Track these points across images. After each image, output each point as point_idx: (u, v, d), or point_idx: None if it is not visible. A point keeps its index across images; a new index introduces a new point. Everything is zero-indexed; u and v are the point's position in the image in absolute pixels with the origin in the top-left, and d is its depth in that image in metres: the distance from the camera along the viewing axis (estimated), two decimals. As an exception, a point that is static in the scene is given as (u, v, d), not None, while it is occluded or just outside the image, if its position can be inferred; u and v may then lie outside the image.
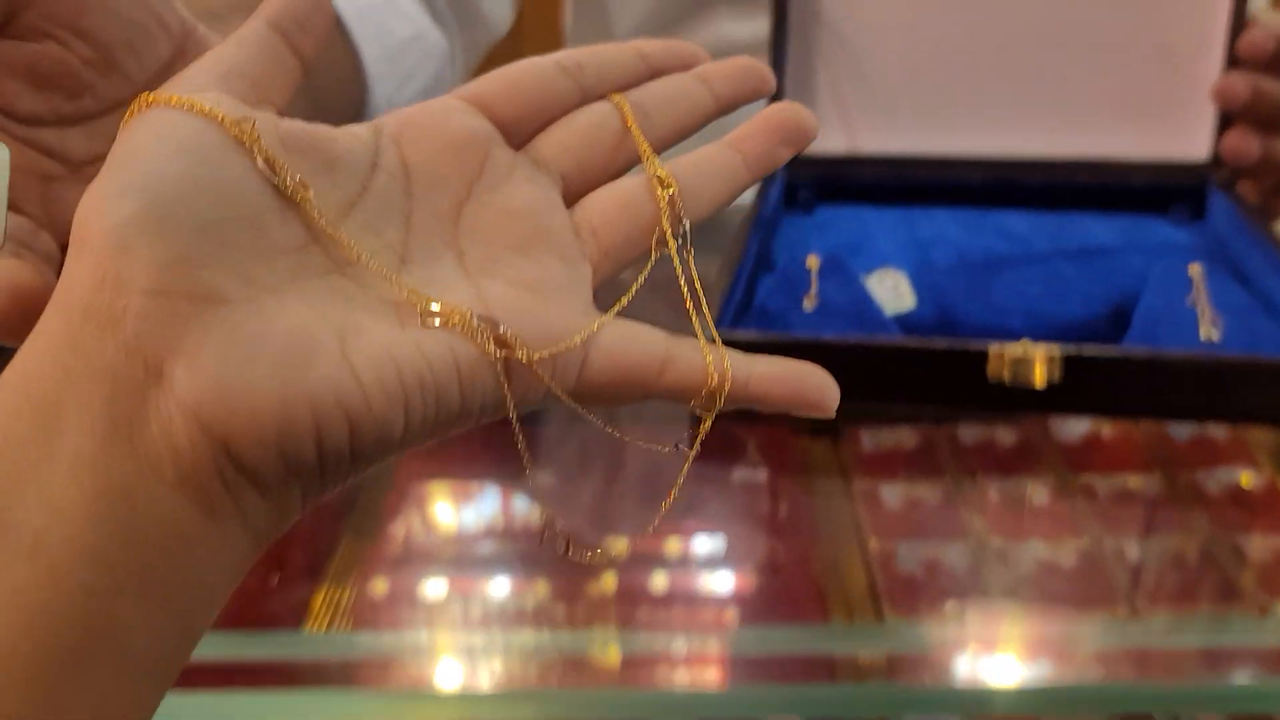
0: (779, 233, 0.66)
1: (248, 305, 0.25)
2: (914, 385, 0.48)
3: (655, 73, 0.33)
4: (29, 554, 0.22)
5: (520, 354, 0.27)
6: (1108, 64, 0.67)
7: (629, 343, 0.29)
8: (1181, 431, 0.59)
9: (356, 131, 0.30)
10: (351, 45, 0.62)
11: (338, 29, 0.62)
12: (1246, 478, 0.56)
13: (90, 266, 0.24)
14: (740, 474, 0.64)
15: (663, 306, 0.31)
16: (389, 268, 0.28)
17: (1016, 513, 0.59)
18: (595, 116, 0.32)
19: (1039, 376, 0.46)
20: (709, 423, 0.30)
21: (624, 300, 0.29)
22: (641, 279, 0.30)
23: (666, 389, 0.29)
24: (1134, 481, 0.57)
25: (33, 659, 0.22)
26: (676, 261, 0.31)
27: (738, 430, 0.64)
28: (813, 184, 0.70)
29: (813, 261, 0.57)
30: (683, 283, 0.31)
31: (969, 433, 0.62)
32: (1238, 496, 0.54)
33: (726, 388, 0.29)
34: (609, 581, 0.52)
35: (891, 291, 0.56)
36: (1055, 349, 0.46)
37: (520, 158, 0.31)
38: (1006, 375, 0.46)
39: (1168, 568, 0.52)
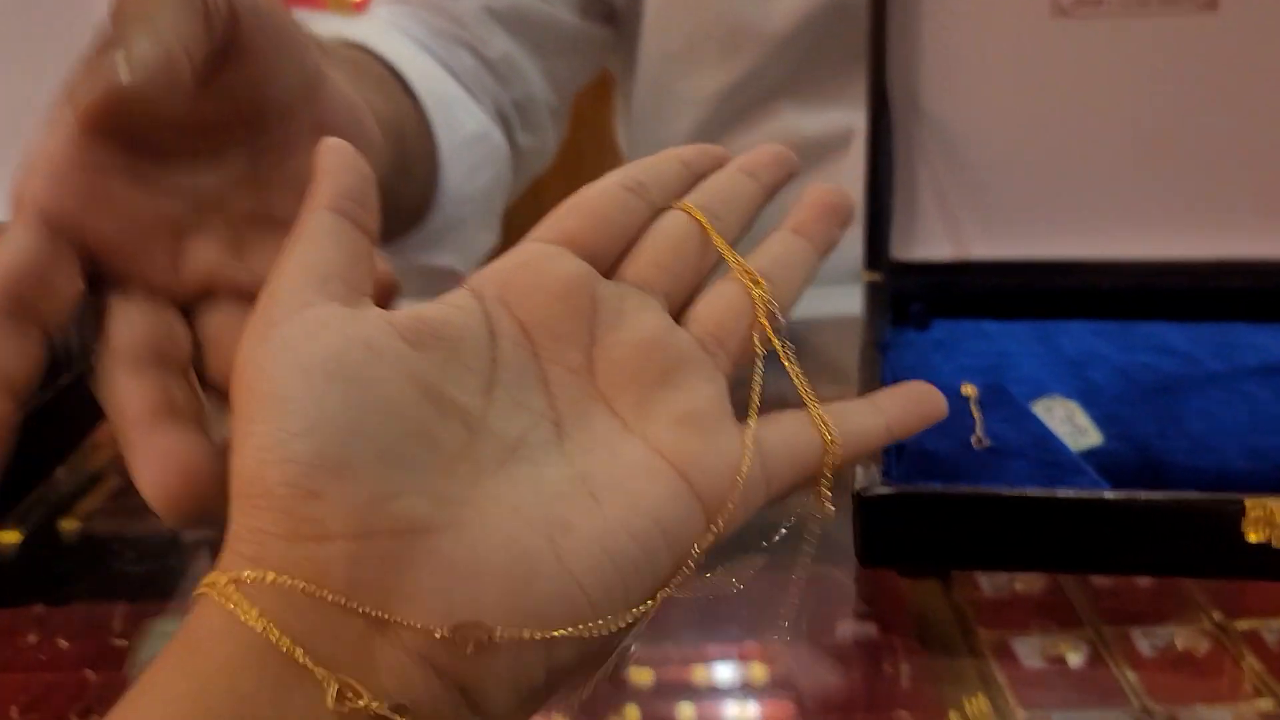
0: (898, 355, 0.57)
1: (452, 530, 0.24)
2: (1146, 547, 0.39)
3: (697, 177, 0.34)
4: None
5: (716, 526, 0.27)
6: (1250, 154, 0.60)
7: (790, 445, 0.30)
8: None
9: (460, 303, 0.29)
10: (429, 131, 0.56)
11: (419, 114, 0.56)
12: None
13: (277, 519, 0.23)
14: (847, 627, 0.54)
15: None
16: (549, 441, 0.27)
17: (1176, 670, 0.49)
18: (677, 229, 0.32)
19: (1309, 533, 0.37)
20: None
21: (753, 413, 0.30)
22: (758, 380, 0.32)
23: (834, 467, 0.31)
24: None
25: None
26: (784, 357, 0.32)
27: (833, 573, 0.55)
28: (923, 294, 0.61)
29: (969, 390, 0.48)
30: (795, 379, 0.32)
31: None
32: None
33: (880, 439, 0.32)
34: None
35: (1067, 423, 0.47)
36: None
37: (625, 287, 0.31)
38: (1272, 537, 0.37)
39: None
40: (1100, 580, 0.52)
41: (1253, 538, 0.37)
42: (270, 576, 0.23)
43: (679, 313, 0.32)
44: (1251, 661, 0.45)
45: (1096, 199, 0.61)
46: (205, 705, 0.22)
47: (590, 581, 0.25)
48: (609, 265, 0.32)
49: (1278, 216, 0.60)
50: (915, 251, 0.63)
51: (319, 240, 0.28)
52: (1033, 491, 0.39)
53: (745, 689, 0.45)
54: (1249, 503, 0.37)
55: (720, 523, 0.28)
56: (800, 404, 0.32)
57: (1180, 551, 0.38)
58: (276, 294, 0.27)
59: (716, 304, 0.32)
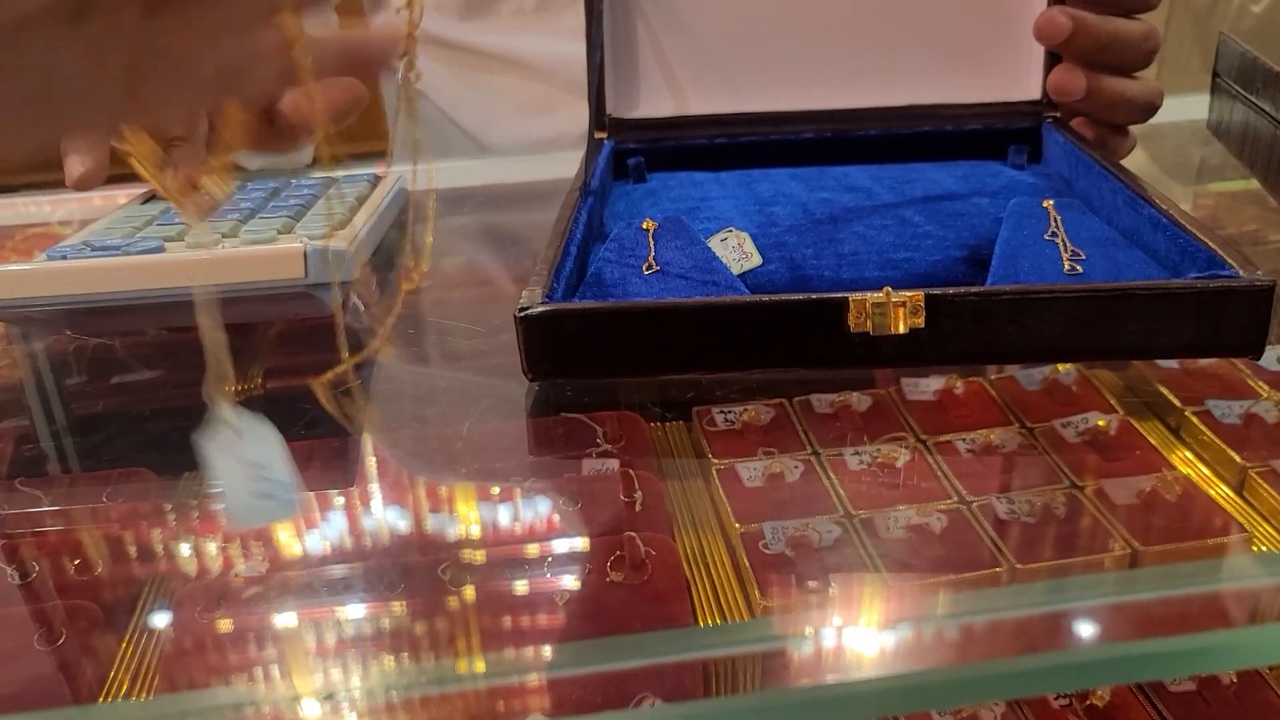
0: (610, 202, 0.61)
1: None
2: (772, 346, 0.43)
3: None
4: None
5: None
6: (935, 9, 0.65)
7: None
8: (1033, 380, 0.57)
9: None
10: None
11: None
12: (1103, 422, 0.54)
13: None
14: (591, 465, 0.59)
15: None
16: None
17: (880, 479, 0.55)
18: None
19: (901, 323, 0.42)
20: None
21: None
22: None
23: None
24: (994, 436, 0.54)
25: None
26: None
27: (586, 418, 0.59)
28: (642, 151, 0.65)
29: (649, 224, 0.52)
30: None
31: (822, 402, 0.59)
32: (1096, 442, 0.52)
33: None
34: (468, 594, 0.46)
35: (736, 250, 0.52)
36: (918, 294, 0.42)
37: None
38: (870, 325, 0.42)
39: (1039, 522, 0.49)
40: (820, 405, 0.57)
41: (854, 328, 0.42)
42: None
43: None
44: (944, 467, 0.50)
45: (797, 55, 0.65)
46: None
47: None
48: None
49: (955, 66, 0.65)
50: (637, 111, 0.67)
51: None
52: (662, 302, 0.43)
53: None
54: (852, 298, 0.42)
55: None
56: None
57: (798, 345, 0.43)
58: None
59: None
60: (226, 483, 0.32)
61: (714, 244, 0.53)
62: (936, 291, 0.42)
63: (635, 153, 0.65)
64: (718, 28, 0.66)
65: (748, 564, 0.42)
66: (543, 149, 0.87)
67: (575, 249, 0.51)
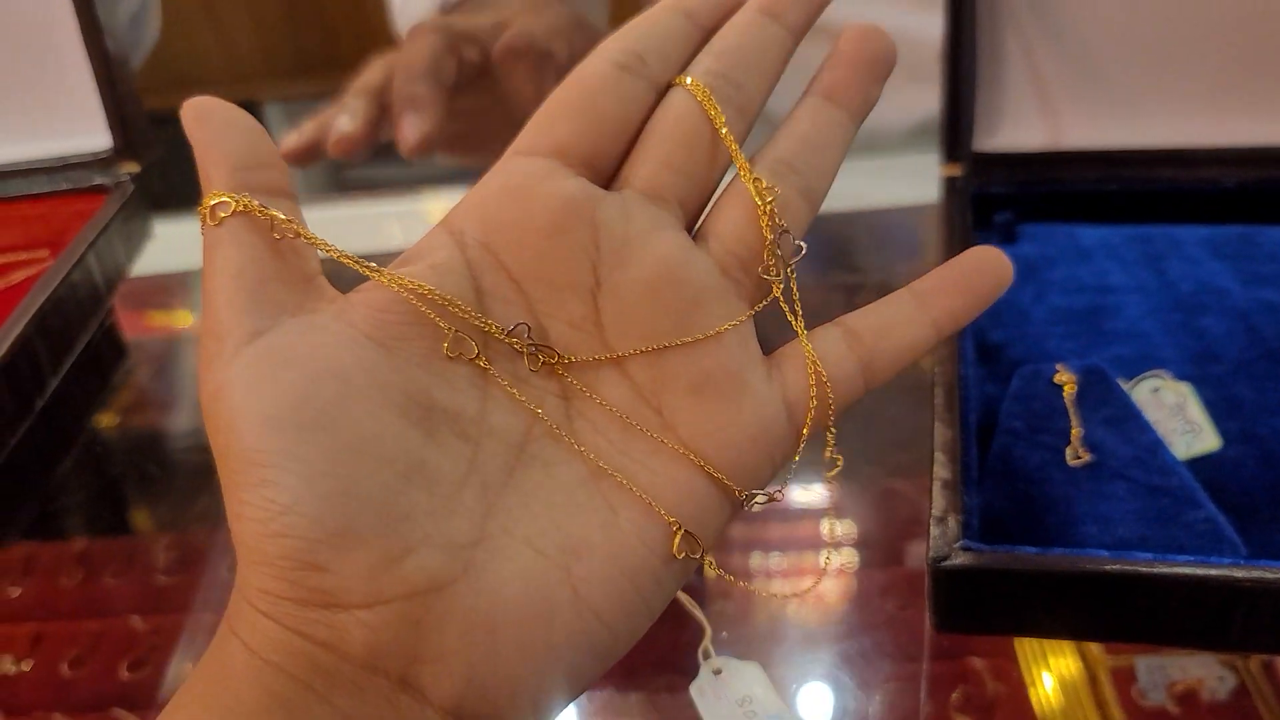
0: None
1: (467, 578, 0.23)
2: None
3: (706, 32, 0.29)
4: None
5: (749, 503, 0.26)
6: None
7: (890, 324, 0.27)
8: None
9: (438, 260, 0.26)
10: None
11: None
12: None
13: (285, 587, 0.22)
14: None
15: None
16: (558, 419, 0.26)
17: None
18: (688, 115, 0.28)
19: None
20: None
21: (800, 329, 0.28)
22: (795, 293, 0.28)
23: (875, 388, 0.28)
24: None
25: None
26: (777, 288, 0.28)
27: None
28: (1011, 198, 0.53)
29: (1065, 379, 0.41)
30: (788, 313, 0.28)
31: None
32: None
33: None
34: None
35: (1177, 416, 0.41)
36: None
37: (631, 200, 0.27)
38: None
39: None
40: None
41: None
42: (286, 638, 0.22)
43: (694, 219, 0.28)
44: None
45: (1221, 76, 0.51)
46: None
47: (608, 609, 0.24)
48: (610, 168, 0.28)
49: None
50: (1001, 140, 0.55)
51: (237, 237, 0.24)
52: (1135, 567, 0.33)
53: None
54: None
55: (754, 490, 0.27)
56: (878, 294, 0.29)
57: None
58: (216, 325, 0.24)
59: (734, 213, 0.27)
60: None
61: (1141, 396, 0.42)
62: None
63: (1002, 201, 0.53)
64: (1109, 31, 0.52)
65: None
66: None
67: (972, 389, 0.41)
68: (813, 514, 0.48)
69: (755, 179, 0.27)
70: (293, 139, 0.55)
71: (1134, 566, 0.34)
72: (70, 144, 0.54)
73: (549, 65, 0.57)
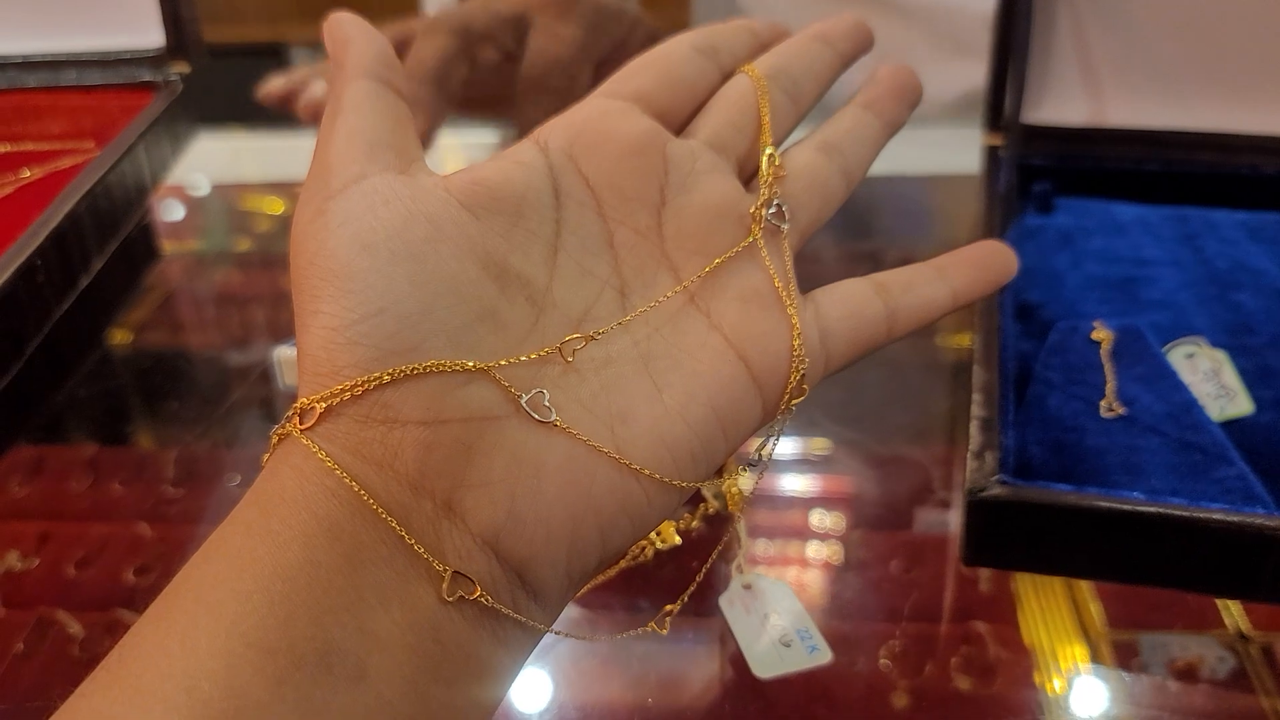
0: (1017, 248, 0.51)
1: (520, 419, 0.24)
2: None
3: (765, 47, 0.34)
4: (354, 681, 0.21)
5: (785, 405, 0.28)
6: None
7: (852, 319, 0.30)
8: None
9: (524, 159, 0.28)
10: None
11: None
12: None
13: (348, 400, 0.23)
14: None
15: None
16: (614, 311, 0.28)
17: None
18: (745, 96, 0.31)
19: None
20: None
21: (791, 292, 0.29)
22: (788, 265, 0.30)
23: (897, 338, 0.30)
24: None
25: None
26: (762, 247, 0.30)
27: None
28: (1050, 170, 0.54)
29: (1101, 335, 0.42)
30: (771, 272, 0.29)
31: None
32: None
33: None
34: None
35: (1211, 380, 0.41)
36: None
37: (697, 146, 0.30)
38: None
39: None
40: None
41: None
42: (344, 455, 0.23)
43: (747, 179, 0.31)
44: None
45: (1266, 62, 0.52)
46: (281, 575, 0.21)
47: (646, 475, 0.25)
48: (678, 126, 0.31)
49: None
50: (1044, 113, 0.55)
51: (362, 108, 0.27)
52: (1169, 510, 0.34)
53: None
54: None
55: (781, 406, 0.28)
56: (860, 271, 0.31)
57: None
58: (329, 164, 0.26)
59: (798, 170, 0.31)
60: (745, 635, 0.36)
61: (1175, 360, 0.43)
62: None
63: (1042, 172, 0.54)
64: (1159, 13, 0.53)
65: None
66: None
67: (1010, 344, 0.42)
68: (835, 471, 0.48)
69: (770, 155, 0.31)
70: (277, 83, 0.54)
71: (1170, 510, 0.34)
72: (123, 40, 0.54)
73: (569, 94, 0.55)
